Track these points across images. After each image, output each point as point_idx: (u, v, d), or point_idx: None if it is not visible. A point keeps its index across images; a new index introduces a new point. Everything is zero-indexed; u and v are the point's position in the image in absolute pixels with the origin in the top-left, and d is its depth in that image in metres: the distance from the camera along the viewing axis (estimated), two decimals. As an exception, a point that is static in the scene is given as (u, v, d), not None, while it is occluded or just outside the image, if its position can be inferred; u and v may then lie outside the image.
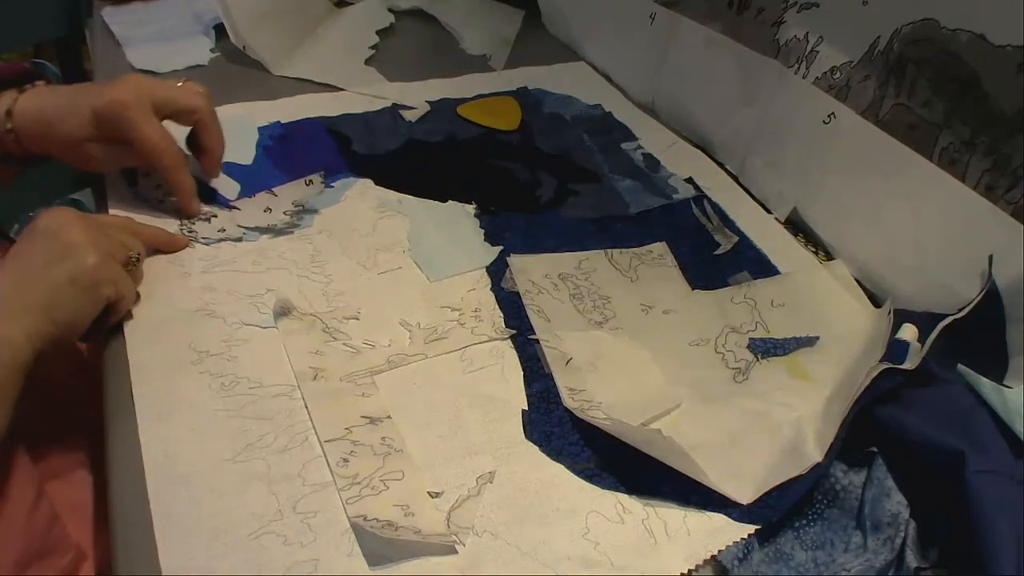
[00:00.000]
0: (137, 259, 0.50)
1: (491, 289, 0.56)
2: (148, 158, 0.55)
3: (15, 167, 0.58)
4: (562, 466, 0.45)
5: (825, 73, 0.60)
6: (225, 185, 0.62)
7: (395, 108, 0.76)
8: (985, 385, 0.44)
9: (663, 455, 0.43)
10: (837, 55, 0.59)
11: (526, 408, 0.48)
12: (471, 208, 0.64)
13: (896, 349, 0.48)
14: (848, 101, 0.59)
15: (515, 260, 0.58)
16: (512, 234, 0.61)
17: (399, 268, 0.57)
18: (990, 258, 0.49)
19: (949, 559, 0.40)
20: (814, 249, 0.64)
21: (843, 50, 0.59)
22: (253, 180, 0.63)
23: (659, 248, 0.62)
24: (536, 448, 0.45)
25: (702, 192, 0.69)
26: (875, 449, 0.44)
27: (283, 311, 0.51)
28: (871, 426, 0.44)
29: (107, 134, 0.55)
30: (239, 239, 0.57)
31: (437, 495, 0.42)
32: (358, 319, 0.52)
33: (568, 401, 0.48)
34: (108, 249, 0.47)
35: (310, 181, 0.61)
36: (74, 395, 0.55)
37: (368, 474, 0.42)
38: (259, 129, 0.69)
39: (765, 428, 0.48)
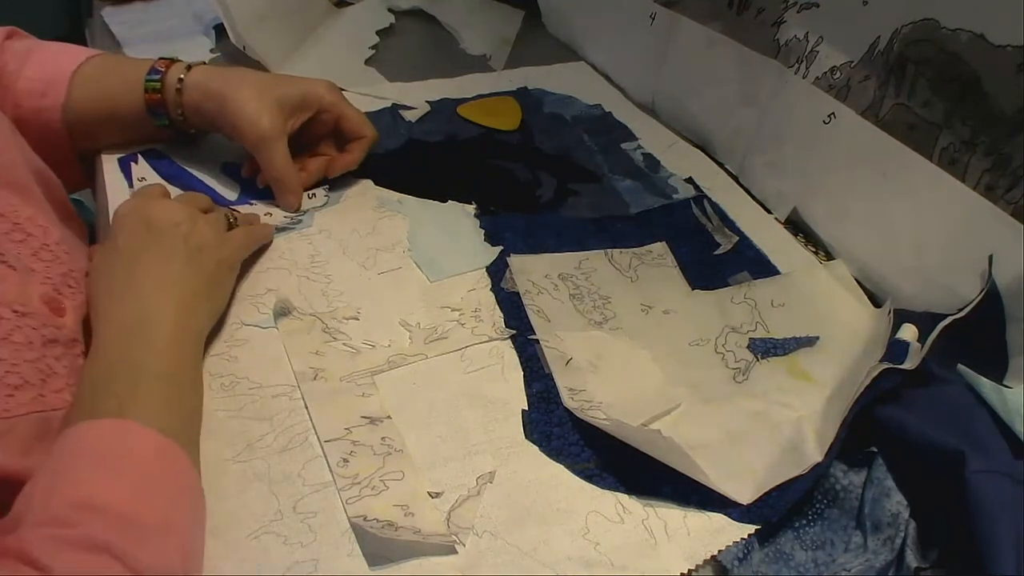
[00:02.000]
0: (235, 220, 0.54)
1: (491, 289, 0.56)
2: (355, 127, 0.63)
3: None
4: (562, 466, 0.45)
5: (825, 73, 0.60)
6: (225, 185, 0.62)
7: (395, 108, 0.76)
8: (985, 385, 0.44)
9: (663, 455, 0.43)
10: (837, 55, 0.59)
11: (526, 408, 0.48)
12: (471, 208, 0.64)
13: (896, 349, 0.48)
14: (848, 101, 0.59)
15: (515, 260, 0.58)
16: (512, 234, 0.61)
17: (399, 268, 0.57)
18: (990, 258, 0.49)
19: (949, 559, 0.40)
20: (814, 249, 0.64)
21: (843, 50, 0.59)
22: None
23: (659, 248, 0.62)
24: (536, 448, 0.45)
25: (702, 192, 0.69)
26: (875, 449, 0.44)
27: (283, 311, 0.51)
28: (871, 426, 0.44)
29: (301, 111, 0.60)
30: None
31: (437, 495, 0.42)
32: (358, 319, 0.52)
33: (568, 401, 0.48)
34: (219, 225, 0.51)
35: (313, 194, 0.62)
36: None
37: (368, 474, 0.42)
38: (259, 129, 0.69)
39: (765, 428, 0.48)
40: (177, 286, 0.45)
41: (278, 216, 0.59)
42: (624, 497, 0.43)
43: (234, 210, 0.56)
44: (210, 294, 0.48)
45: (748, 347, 0.54)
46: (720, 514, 0.43)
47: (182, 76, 0.58)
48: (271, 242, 0.57)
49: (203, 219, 0.50)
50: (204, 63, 0.61)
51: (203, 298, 0.47)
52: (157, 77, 0.58)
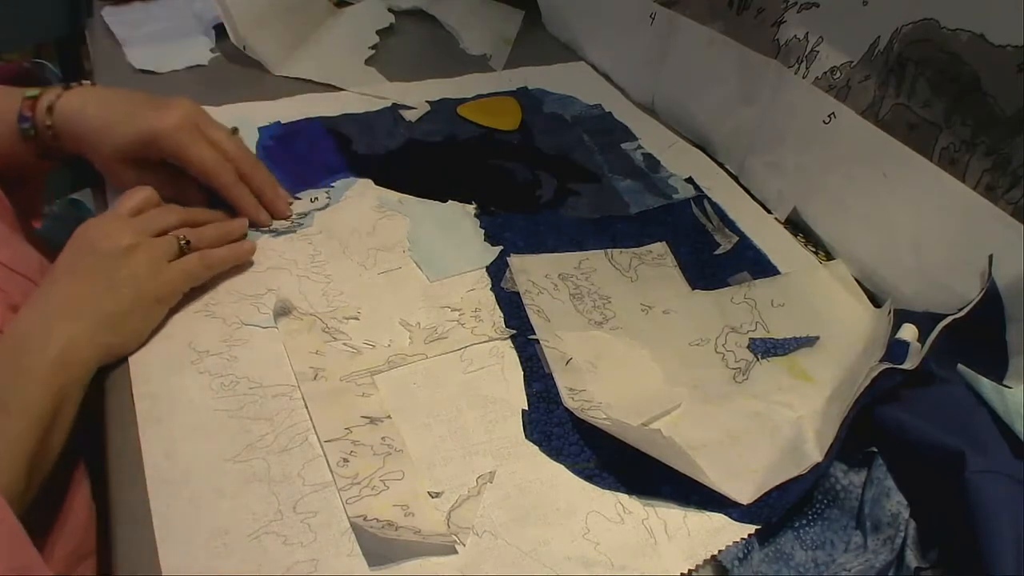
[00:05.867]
0: (187, 243, 0.51)
1: (491, 289, 0.56)
2: (203, 178, 0.56)
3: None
4: (562, 466, 0.45)
5: (825, 73, 0.60)
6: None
7: (395, 108, 0.76)
8: (985, 385, 0.44)
9: (663, 455, 0.43)
10: (837, 55, 0.59)
11: (526, 408, 0.48)
12: (471, 208, 0.64)
13: (896, 349, 0.48)
14: (848, 101, 0.59)
15: (515, 260, 0.58)
16: (512, 234, 0.61)
17: (399, 268, 0.57)
18: (990, 258, 0.49)
19: (949, 559, 0.40)
20: (814, 249, 0.64)
21: (843, 50, 0.59)
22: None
23: (659, 248, 0.62)
24: (536, 448, 0.45)
25: (702, 192, 0.69)
26: (875, 449, 0.44)
27: (283, 311, 0.51)
28: (871, 426, 0.44)
29: (149, 155, 0.55)
30: (239, 239, 0.57)
31: (437, 495, 0.42)
32: (358, 319, 0.52)
33: (568, 401, 0.48)
34: (161, 253, 0.49)
35: (315, 198, 0.62)
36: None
37: (368, 474, 0.42)
38: (259, 129, 0.69)
39: (765, 428, 0.48)
40: (82, 311, 0.44)
41: (280, 220, 0.59)
42: (624, 497, 0.43)
43: (198, 227, 0.53)
44: (119, 326, 0.46)
45: (748, 347, 0.54)
46: (720, 514, 0.43)
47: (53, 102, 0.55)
48: (251, 260, 0.55)
49: (146, 246, 0.48)
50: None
51: (107, 329, 0.45)
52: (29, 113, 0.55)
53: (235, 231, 0.55)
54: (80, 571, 0.44)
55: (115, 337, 0.46)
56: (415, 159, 0.70)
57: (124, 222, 0.50)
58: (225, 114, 0.69)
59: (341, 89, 0.78)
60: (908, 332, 0.49)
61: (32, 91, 0.55)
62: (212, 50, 0.82)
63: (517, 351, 0.51)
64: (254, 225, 0.58)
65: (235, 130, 0.60)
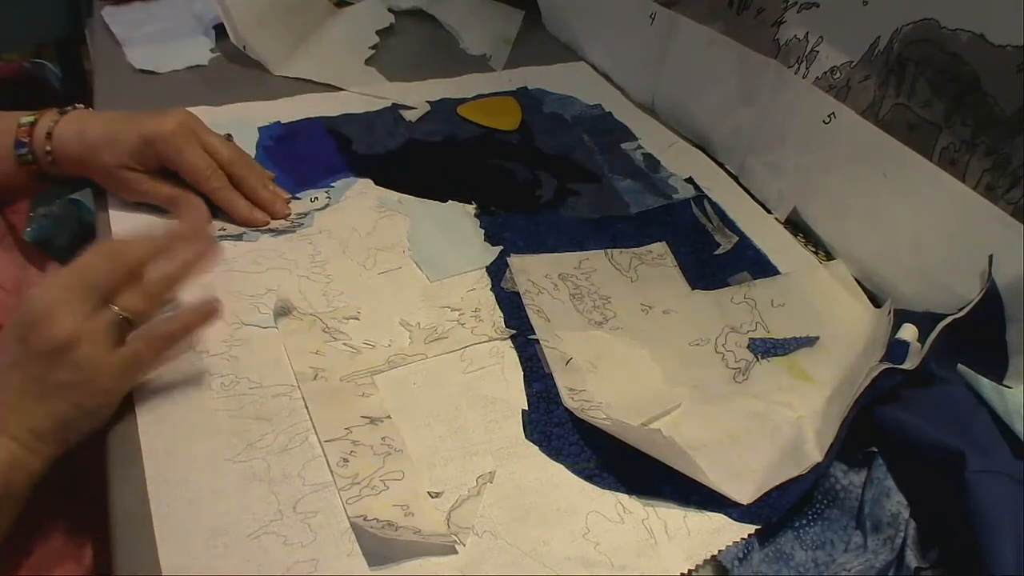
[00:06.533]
0: (128, 321, 0.43)
1: (491, 289, 0.56)
2: (194, 183, 0.57)
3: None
4: (562, 466, 0.45)
5: (825, 73, 0.60)
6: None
7: (395, 108, 0.76)
8: (985, 385, 0.44)
9: (663, 455, 0.43)
10: (837, 55, 0.59)
11: (526, 408, 0.48)
12: (471, 208, 0.64)
13: (896, 349, 0.48)
14: (848, 101, 0.59)
15: (515, 260, 0.58)
16: (512, 234, 0.61)
17: (399, 268, 0.57)
18: (990, 258, 0.49)
19: (949, 559, 0.40)
20: (814, 249, 0.64)
21: (843, 50, 0.59)
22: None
23: (659, 248, 0.62)
24: (536, 448, 0.45)
25: (702, 192, 0.69)
26: (875, 449, 0.44)
27: (283, 311, 0.51)
28: (871, 426, 0.44)
29: (149, 163, 0.56)
30: (239, 237, 0.57)
31: (437, 495, 0.42)
32: (358, 319, 0.52)
33: (568, 401, 0.48)
34: (102, 343, 0.41)
35: (315, 198, 0.62)
36: None
37: (368, 474, 0.42)
38: (259, 129, 0.69)
39: (765, 428, 0.48)
40: (15, 431, 0.40)
41: (280, 220, 0.59)
42: (624, 497, 0.43)
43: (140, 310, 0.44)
44: (61, 437, 0.41)
45: (748, 347, 0.54)
46: (720, 514, 0.43)
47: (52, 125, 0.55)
48: (217, 313, 0.47)
49: (86, 340, 0.40)
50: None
51: (48, 443, 0.41)
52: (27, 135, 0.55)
53: (179, 275, 0.45)
54: (60, 572, 0.44)
55: (59, 448, 0.41)
56: (415, 159, 0.70)
57: (66, 307, 0.41)
58: (225, 114, 0.70)
59: (341, 89, 0.78)
60: (908, 332, 0.49)
61: (27, 116, 0.55)
62: (212, 50, 0.82)
63: (517, 351, 0.51)
64: (254, 225, 0.59)
65: (228, 136, 0.61)
